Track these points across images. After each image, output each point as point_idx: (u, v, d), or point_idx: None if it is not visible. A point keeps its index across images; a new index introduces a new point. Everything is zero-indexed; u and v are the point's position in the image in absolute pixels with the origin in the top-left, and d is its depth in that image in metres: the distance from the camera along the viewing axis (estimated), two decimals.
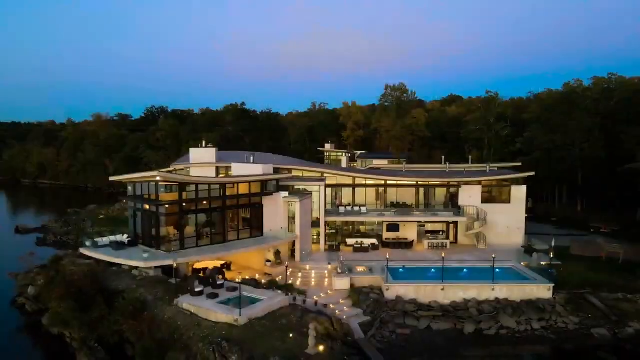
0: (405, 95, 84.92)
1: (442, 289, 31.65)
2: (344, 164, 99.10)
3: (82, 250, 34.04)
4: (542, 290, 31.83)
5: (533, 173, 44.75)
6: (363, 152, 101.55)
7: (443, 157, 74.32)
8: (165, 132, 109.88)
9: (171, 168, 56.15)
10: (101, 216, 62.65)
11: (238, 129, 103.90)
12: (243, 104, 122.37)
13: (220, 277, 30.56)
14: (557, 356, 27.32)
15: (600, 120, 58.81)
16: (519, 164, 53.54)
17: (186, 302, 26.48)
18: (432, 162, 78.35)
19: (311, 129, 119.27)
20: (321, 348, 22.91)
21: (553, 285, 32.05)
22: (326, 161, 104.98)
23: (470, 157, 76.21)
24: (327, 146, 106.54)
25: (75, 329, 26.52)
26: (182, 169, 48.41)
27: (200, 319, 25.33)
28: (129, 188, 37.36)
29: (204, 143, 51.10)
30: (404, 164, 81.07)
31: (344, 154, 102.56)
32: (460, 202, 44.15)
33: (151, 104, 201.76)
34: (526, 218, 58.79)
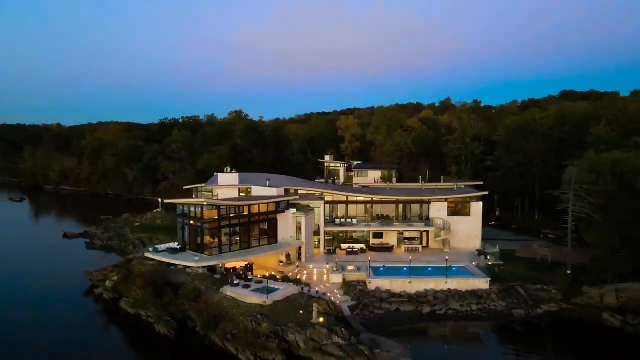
0: (395, 118, 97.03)
1: (410, 282, 43.99)
2: (341, 175, 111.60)
3: (146, 254, 46.26)
4: (482, 283, 44.15)
5: (487, 193, 57.14)
6: (359, 162, 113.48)
7: (427, 170, 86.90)
8: (179, 143, 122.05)
9: (195, 186, 68.49)
10: (137, 224, 74.96)
11: (247, 142, 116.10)
12: (247, 115, 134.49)
13: (250, 273, 42.97)
14: (486, 328, 39.74)
15: (554, 144, 70.96)
16: (481, 182, 65.75)
17: (228, 291, 38.80)
18: (418, 173, 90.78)
19: (312, 140, 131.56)
20: (321, 319, 35.20)
21: (490, 279, 44.38)
22: (326, 172, 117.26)
23: (450, 170, 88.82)
24: (327, 158, 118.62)
25: (152, 310, 38.86)
26: (211, 190, 60.54)
27: (239, 302, 37.60)
28: (178, 207, 49.25)
29: (228, 169, 62.77)
30: (395, 174, 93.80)
31: (341, 164, 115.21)
32: (431, 215, 56.48)
33: (148, 103, 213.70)
34: (492, 225, 71.66)
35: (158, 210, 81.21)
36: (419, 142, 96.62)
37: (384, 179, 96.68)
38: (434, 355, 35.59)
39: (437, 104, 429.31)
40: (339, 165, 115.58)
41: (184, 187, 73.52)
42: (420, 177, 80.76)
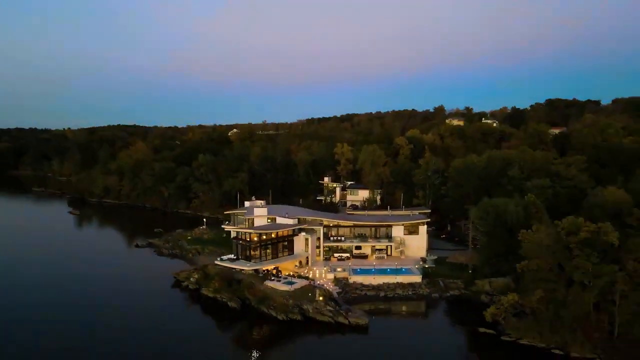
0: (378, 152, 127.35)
1: (374, 278, 74.20)
2: (337, 193, 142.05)
3: (216, 262, 76.36)
4: (417, 278, 74.33)
5: (429, 219, 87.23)
6: (352, 183, 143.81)
7: (402, 194, 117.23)
8: (206, 167, 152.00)
9: (234, 212, 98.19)
10: (189, 237, 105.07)
11: (262, 168, 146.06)
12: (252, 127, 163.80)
13: (280, 273, 73.44)
14: (416, 305, 70.03)
15: (484, 181, 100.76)
16: (429, 210, 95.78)
17: (269, 283, 69.13)
18: (394, 197, 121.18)
19: (314, 162, 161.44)
20: (321, 298, 65.48)
21: (422, 276, 74.60)
22: (325, 191, 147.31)
23: (418, 195, 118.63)
24: (326, 179, 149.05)
25: (225, 294, 69.07)
26: (243, 214, 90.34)
27: (275, 289, 67.85)
28: (232, 232, 79.27)
29: (259, 203, 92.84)
30: (379, 193, 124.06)
31: (337, 185, 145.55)
32: (393, 234, 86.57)
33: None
34: (442, 238, 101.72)
35: (203, 227, 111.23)
36: (395, 173, 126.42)
37: (369, 200, 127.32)
38: (385, 318, 65.79)
39: (431, 110, 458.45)
40: (335, 185, 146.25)
41: (225, 212, 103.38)
42: (400, 197, 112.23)
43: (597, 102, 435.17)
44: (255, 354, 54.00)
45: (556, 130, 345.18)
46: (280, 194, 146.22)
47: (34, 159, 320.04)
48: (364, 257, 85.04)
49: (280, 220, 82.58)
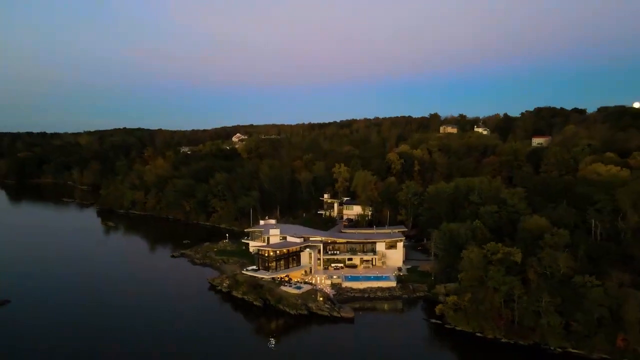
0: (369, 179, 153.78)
1: (361, 283, 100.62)
2: (335, 208, 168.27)
3: (243, 271, 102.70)
4: (392, 283, 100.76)
5: (404, 237, 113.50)
6: (348, 199, 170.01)
7: (388, 212, 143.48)
8: (222, 185, 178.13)
9: (252, 230, 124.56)
10: (215, 249, 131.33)
11: (272, 187, 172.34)
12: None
13: (291, 280, 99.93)
14: (392, 303, 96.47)
15: (452, 205, 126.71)
16: (405, 229, 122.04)
17: (283, 287, 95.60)
18: (382, 214, 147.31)
19: (315, 180, 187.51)
20: (321, 299, 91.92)
21: (397, 281, 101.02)
22: (325, 205, 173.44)
23: (401, 213, 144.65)
24: (326, 196, 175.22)
25: (251, 295, 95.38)
26: (260, 232, 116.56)
27: (287, 292, 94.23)
28: (251, 248, 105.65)
29: (272, 222, 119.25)
30: (370, 209, 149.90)
31: (335, 201, 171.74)
32: (377, 249, 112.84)
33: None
34: (418, 249, 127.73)
35: (226, 241, 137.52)
36: (383, 194, 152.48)
37: (361, 215, 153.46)
38: (368, 313, 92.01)
39: (427, 117, 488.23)
40: (334, 201, 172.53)
41: (245, 230, 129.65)
42: (387, 214, 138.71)
43: (583, 112, 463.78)
44: (273, 338, 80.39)
45: (541, 140, 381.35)
46: (287, 209, 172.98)
47: (55, 169, 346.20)
48: (354, 267, 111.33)
49: (290, 238, 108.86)
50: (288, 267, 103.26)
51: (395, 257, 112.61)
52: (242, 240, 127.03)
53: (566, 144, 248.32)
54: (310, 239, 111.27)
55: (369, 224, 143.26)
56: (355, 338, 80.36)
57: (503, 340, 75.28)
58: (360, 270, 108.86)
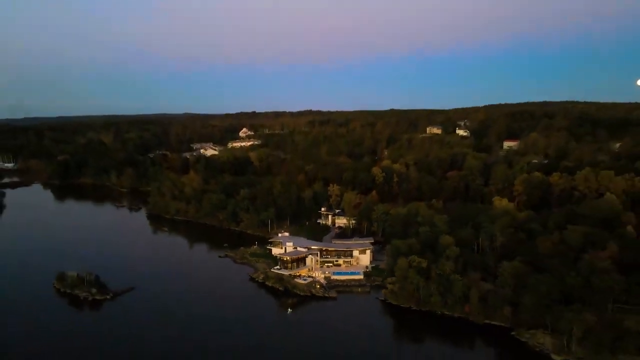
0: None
1: (343, 277, 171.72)
2: (330, 219, 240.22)
3: (272, 270, 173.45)
4: (361, 276, 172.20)
5: (372, 245, 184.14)
6: (339, 211, 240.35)
7: (365, 225, 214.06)
8: (247, 200, 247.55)
9: (274, 239, 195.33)
10: (249, 252, 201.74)
11: (283, 202, 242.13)
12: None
13: (301, 275, 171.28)
14: (362, 289, 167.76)
15: (405, 225, 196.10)
16: (373, 240, 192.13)
17: (297, 280, 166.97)
18: (361, 226, 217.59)
19: (315, 195, 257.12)
20: (318, 287, 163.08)
21: (364, 275, 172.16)
22: (322, 216, 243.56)
23: (374, 227, 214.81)
24: (323, 209, 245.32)
25: (278, 283, 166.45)
26: (279, 241, 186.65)
27: (299, 283, 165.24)
28: (274, 253, 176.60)
29: (286, 234, 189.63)
30: (353, 222, 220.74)
31: (330, 213, 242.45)
32: (354, 254, 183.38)
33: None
34: (382, 252, 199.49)
35: (255, 246, 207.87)
36: (363, 211, 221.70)
37: (347, 226, 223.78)
38: (344, 294, 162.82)
39: (419, 110, 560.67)
40: (329, 213, 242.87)
41: (269, 239, 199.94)
42: (365, 226, 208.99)
43: (552, 116, 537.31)
44: (290, 309, 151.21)
45: (512, 143, 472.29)
46: (294, 218, 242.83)
47: (93, 172, 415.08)
48: (339, 265, 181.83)
49: (299, 248, 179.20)
50: (298, 267, 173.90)
51: (365, 259, 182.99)
52: (267, 247, 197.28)
53: (512, 158, 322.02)
54: (312, 248, 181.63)
55: (352, 232, 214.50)
56: (337, 308, 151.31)
57: (414, 308, 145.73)
58: (343, 268, 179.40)
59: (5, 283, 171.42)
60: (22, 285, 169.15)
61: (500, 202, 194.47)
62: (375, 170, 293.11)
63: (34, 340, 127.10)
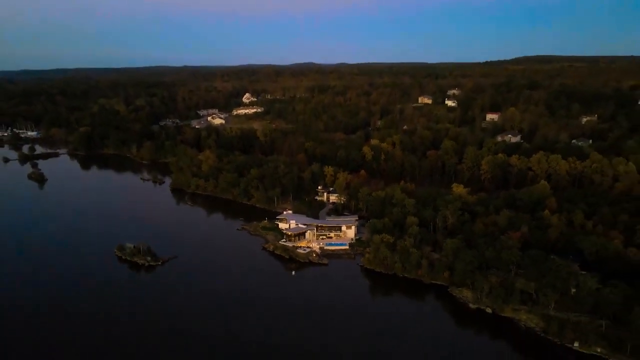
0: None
1: (333, 247, 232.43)
2: (325, 196, 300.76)
3: (280, 242, 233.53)
4: (347, 247, 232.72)
5: (357, 221, 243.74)
6: (332, 189, 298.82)
7: (353, 204, 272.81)
8: (257, 180, 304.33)
9: (280, 217, 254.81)
10: (261, 226, 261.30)
11: (287, 181, 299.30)
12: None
13: (302, 245, 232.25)
14: (346, 255, 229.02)
15: (384, 204, 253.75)
16: (357, 217, 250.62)
17: (298, 250, 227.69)
18: (352, 203, 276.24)
19: (313, 175, 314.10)
20: (314, 255, 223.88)
21: (349, 246, 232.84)
22: (318, 194, 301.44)
23: (360, 204, 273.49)
24: (320, 187, 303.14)
25: (285, 253, 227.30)
26: (285, 218, 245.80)
27: (301, 252, 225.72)
28: (280, 227, 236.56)
29: (290, 212, 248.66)
30: (343, 200, 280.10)
31: (325, 191, 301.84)
32: (342, 229, 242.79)
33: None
34: (366, 226, 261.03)
35: (265, 221, 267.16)
36: (351, 191, 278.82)
37: (339, 202, 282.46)
38: (335, 260, 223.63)
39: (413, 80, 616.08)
40: (324, 191, 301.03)
41: (276, 218, 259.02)
42: (352, 204, 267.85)
43: (534, 87, 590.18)
44: (293, 271, 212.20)
45: (494, 116, 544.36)
46: (295, 194, 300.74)
47: (114, 144, 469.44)
48: (331, 238, 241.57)
49: (300, 225, 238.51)
50: (299, 239, 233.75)
51: (350, 233, 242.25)
52: (274, 222, 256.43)
53: (486, 138, 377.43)
54: (310, 224, 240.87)
55: (343, 208, 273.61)
56: (327, 270, 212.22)
57: (383, 272, 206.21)
58: (333, 240, 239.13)
59: (73, 250, 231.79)
60: (88, 254, 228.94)
61: (457, 188, 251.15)
62: (366, 149, 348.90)
63: (112, 293, 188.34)
